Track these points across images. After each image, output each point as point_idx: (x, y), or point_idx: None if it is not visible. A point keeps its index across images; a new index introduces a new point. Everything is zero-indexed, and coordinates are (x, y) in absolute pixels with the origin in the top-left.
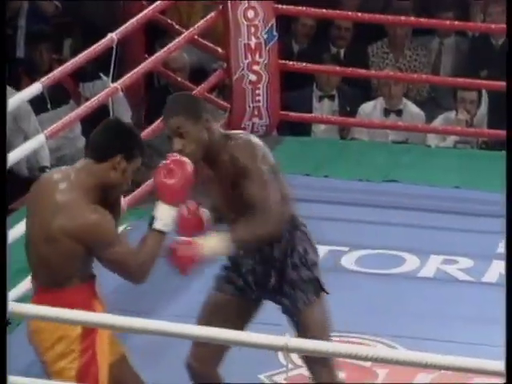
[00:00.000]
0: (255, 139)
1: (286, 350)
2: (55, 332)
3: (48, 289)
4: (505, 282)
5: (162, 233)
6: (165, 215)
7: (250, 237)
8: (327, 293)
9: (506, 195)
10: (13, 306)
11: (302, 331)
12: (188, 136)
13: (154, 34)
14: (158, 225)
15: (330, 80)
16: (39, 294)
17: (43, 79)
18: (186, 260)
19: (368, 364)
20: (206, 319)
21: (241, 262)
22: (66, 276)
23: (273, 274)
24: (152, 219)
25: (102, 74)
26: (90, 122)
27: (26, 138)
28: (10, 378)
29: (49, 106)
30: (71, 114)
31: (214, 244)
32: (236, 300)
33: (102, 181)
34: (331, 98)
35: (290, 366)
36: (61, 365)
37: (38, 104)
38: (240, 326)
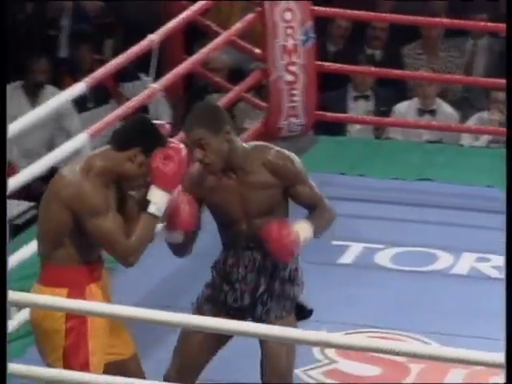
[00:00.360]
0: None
1: (322, 344)
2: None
3: (47, 264)
4: None
5: (155, 217)
6: (159, 200)
7: (327, 226)
8: (308, 316)
9: (506, 194)
10: (11, 295)
11: (265, 343)
12: (209, 148)
13: (193, 35)
14: (152, 208)
15: (365, 80)
16: (41, 272)
17: (87, 79)
18: (288, 246)
19: (402, 359)
20: (185, 335)
21: (232, 270)
22: (58, 249)
23: (262, 283)
24: (145, 203)
25: (141, 75)
26: None
27: (69, 136)
28: (10, 366)
29: (90, 105)
30: (112, 114)
31: (306, 232)
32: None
33: (116, 169)
34: (366, 98)
35: (325, 360)
36: (51, 344)
37: (79, 103)
38: (216, 344)
